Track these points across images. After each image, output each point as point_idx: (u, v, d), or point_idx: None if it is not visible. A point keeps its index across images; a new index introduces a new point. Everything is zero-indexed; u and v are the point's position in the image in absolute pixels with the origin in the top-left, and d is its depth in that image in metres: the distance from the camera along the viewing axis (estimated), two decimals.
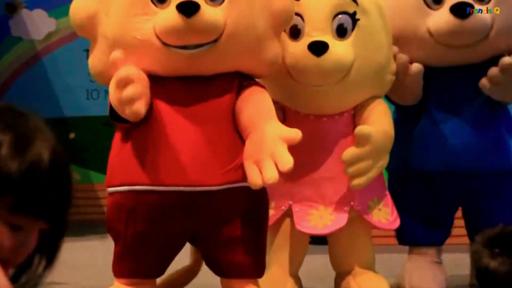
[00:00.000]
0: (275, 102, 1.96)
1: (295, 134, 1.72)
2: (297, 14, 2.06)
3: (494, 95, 2.28)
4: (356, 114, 2.20)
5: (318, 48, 2.00)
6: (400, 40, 2.24)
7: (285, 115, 2.17)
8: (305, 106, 2.09)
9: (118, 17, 1.87)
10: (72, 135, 4.22)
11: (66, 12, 2.05)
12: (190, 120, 1.81)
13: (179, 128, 1.81)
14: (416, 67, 2.24)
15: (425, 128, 2.36)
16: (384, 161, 2.14)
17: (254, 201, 1.92)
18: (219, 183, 1.82)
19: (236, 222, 1.91)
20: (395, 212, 2.28)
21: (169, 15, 1.77)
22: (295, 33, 2.08)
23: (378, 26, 2.16)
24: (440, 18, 2.20)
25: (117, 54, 1.76)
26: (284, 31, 2.05)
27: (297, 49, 2.04)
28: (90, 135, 4.18)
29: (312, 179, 2.15)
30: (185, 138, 1.80)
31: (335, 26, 2.08)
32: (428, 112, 2.36)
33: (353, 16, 2.10)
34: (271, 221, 2.12)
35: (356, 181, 2.10)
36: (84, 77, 3.86)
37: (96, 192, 4.09)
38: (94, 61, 1.94)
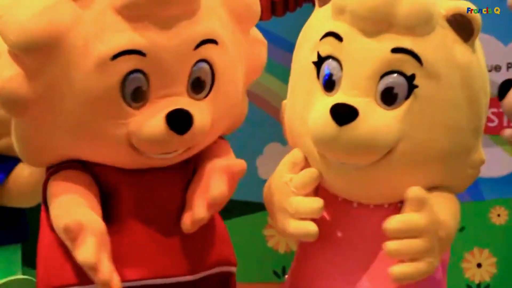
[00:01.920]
0: None
1: (239, 163, 1.54)
2: (335, 59, 1.55)
3: None
4: None
5: (343, 114, 1.50)
6: None
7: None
8: (340, 189, 1.63)
9: (78, 110, 1.50)
10: None
11: None
12: (151, 208, 1.59)
13: (140, 218, 1.58)
14: None
15: None
16: (436, 258, 1.54)
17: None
18: (191, 273, 1.61)
19: None
20: None
21: (155, 127, 1.47)
22: (329, 84, 1.57)
23: (455, 99, 1.58)
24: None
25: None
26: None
27: (321, 110, 1.54)
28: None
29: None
30: (145, 229, 1.59)
31: (380, 88, 1.53)
32: None
33: (410, 79, 1.52)
34: None
35: (399, 269, 1.50)
36: None
37: None
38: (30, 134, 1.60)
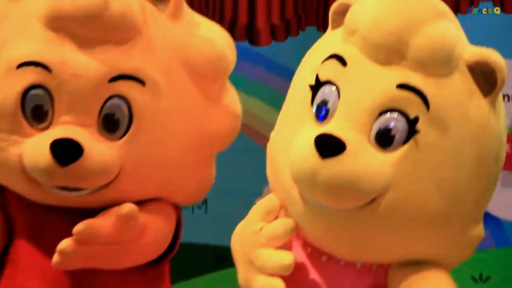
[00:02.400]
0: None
1: (124, 205, 1.47)
2: (334, 85, 1.45)
3: None
4: (391, 279, 1.52)
5: (327, 145, 1.41)
6: None
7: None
8: (315, 236, 1.53)
9: None
10: None
11: None
12: (43, 251, 1.55)
13: (29, 259, 1.54)
14: None
15: None
16: None
17: None
18: None
19: None
20: None
21: (39, 152, 1.47)
22: (323, 113, 1.48)
23: (460, 157, 1.46)
24: None
25: None
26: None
27: (306, 140, 1.44)
28: None
29: None
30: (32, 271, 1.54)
31: (377, 126, 1.44)
32: None
33: (412, 122, 1.42)
34: None
35: None
36: None
37: None
38: None
